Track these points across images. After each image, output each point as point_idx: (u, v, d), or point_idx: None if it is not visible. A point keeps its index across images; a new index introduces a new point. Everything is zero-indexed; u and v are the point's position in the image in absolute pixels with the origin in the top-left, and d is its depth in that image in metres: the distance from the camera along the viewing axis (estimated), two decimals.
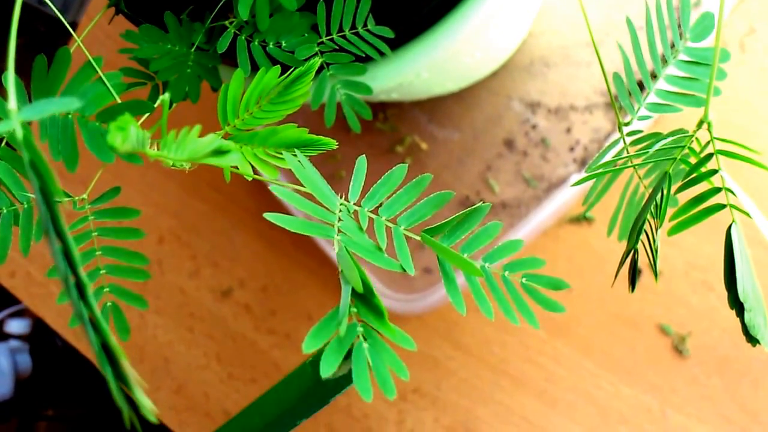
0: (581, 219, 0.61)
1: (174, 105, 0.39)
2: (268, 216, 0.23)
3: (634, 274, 0.31)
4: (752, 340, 0.28)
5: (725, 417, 0.55)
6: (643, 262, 0.55)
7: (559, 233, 0.61)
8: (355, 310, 0.23)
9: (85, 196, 0.35)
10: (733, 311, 0.28)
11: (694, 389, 0.56)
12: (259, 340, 0.67)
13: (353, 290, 0.23)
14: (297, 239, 0.67)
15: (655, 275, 0.29)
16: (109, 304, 0.34)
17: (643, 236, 0.30)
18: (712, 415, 0.56)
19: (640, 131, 0.30)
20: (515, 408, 0.60)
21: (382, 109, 0.67)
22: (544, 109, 0.63)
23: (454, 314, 0.63)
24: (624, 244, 0.60)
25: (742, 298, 0.25)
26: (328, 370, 0.21)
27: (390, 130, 0.66)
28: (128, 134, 0.21)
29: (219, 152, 0.21)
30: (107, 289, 0.34)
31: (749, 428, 0.55)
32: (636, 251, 0.30)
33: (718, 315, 0.57)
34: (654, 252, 0.29)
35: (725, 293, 0.58)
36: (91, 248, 0.34)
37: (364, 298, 0.24)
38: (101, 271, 0.34)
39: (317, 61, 0.30)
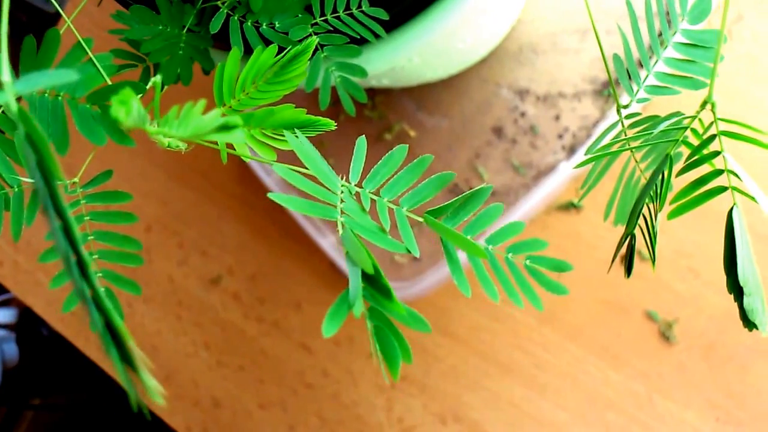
0: (570, 207, 0.61)
1: (165, 87, 0.38)
2: (273, 196, 0.23)
3: (630, 260, 0.31)
4: (750, 324, 0.28)
5: (711, 402, 0.56)
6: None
7: (548, 221, 0.61)
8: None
9: (76, 179, 0.34)
10: (730, 296, 0.28)
11: (680, 375, 0.57)
12: (248, 328, 0.67)
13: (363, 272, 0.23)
14: (284, 227, 0.67)
15: (653, 260, 0.29)
16: (102, 289, 0.34)
17: (640, 221, 0.30)
18: (698, 400, 0.56)
19: (638, 114, 0.30)
20: (503, 394, 0.60)
21: (370, 96, 0.66)
22: (532, 97, 0.63)
23: (443, 302, 0.63)
24: (612, 230, 0.60)
25: (741, 282, 0.25)
26: (330, 331, 0.21)
27: (378, 118, 0.66)
28: (131, 108, 0.20)
29: (225, 128, 0.20)
30: (100, 274, 0.33)
31: (735, 413, 0.55)
32: (633, 236, 0.30)
33: (705, 301, 0.57)
34: (653, 237, 0.29)
35: (712, 280, 0.58)
36: (83, 233, 0.34)
37: (372, 279, 0.23)
38: (94, 256, 0.33)
39: (314, 40, 0.30)
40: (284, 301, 0.66)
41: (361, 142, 0.27)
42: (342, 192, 0.26)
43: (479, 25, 0.51)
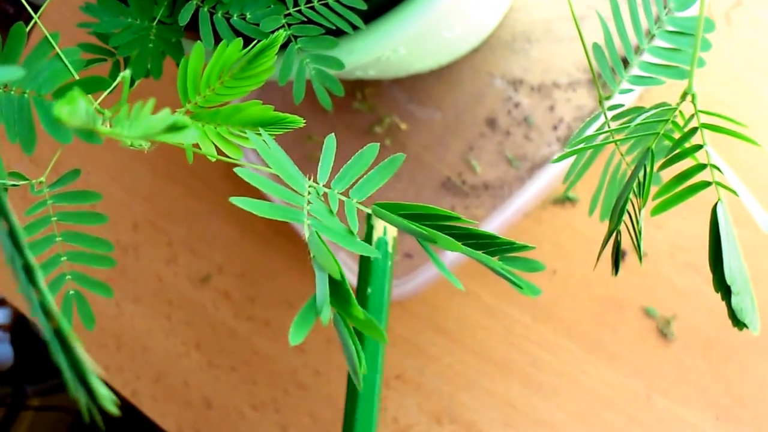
0: (565, 200, 0.59)
1: (137, 82, 0.37)
2: (235, 200, 0.22)
3: (617, 257, 0.30)
4: (739, 324, 0.26)
5: (711, 401, 0.55)
6: (627, 243, 0.53)
7: (543, 215, 0.60)
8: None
9: (42, 179, 0.33)
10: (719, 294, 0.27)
11: (679, 373, 0.55)
12: (239, 327, 0.65)
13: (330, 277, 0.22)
14: (274, 224, 0.65)
15: (640, 257, 0.28)
16: (71, 292, 0.33)
17: (626, 216, 0.29)
18: (697, 399, 0.55)
19: (622, 105, 0.29)
20: (499, 393, 0.59)
21: (360, 87, 0.65)
22: (526, 87, 0.61)
23: (437, 299, 0.61)
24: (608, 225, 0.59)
25: (728, 280, 0.24)
26: (297, 339, 0.21)
27: (368, 110, 0.64)
28: (76, 108, 0.19)
29: (174, 128, 0.19)
30: (69, 277, 0.32)
31: (735, 412, 0.54)
32: (619, 232, 0.29)
33: (704, 297, 0.55)
34: (638, 233, 0.27)
35: (711, 275, 0.57)
36: (50, 234, 0.32)
37: (335, 284, 0.22)
38: (62, 258, 0.32)
39: (281, 33, 0.28)
40: (275, 300, 0.65)
41: (330, 140, 0.26)
42: (309, 193, 0.25)
43: (466, 14, 0.49)
